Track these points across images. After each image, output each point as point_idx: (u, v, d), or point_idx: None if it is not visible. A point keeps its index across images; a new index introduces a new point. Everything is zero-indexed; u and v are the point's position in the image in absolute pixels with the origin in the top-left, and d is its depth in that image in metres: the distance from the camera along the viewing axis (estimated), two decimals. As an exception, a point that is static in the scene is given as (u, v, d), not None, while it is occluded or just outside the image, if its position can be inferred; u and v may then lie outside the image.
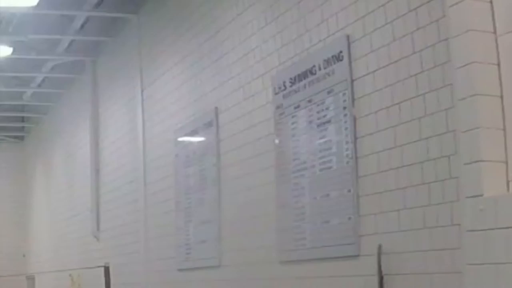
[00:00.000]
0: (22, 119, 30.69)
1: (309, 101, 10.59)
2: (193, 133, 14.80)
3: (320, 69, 10.33)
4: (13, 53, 19.97)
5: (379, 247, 8.92)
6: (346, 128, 9.76)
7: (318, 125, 10.39)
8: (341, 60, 9.84)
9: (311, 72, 10.54)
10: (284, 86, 11.26)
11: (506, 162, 6.36)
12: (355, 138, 9.56)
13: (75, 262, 21.76)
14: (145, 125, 17.44)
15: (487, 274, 6.30)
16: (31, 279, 28.98)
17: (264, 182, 11.81)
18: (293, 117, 11.04)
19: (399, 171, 8.70)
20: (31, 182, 31.05)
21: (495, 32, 6.37)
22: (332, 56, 10.03)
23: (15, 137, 32.18)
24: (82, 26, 19.23)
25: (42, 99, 26.76)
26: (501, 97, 6.35)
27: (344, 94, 9.79)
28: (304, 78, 10.71)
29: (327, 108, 10.19)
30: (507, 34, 6.29)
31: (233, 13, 13.07)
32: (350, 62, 9.67)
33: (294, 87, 10.99)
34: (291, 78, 11.07)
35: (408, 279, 8.58)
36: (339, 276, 9.80)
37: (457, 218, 7.34)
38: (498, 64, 6.36)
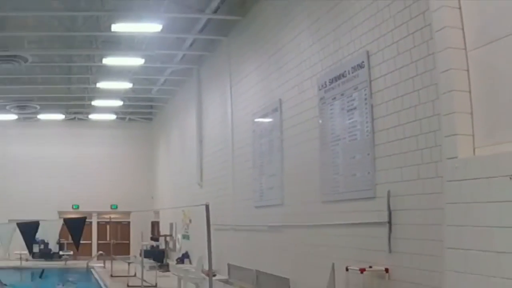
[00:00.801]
0: (151, 107, 30.74)
1: (342, 94, 10.63)
2: (264, 116, 14.82)
3: (349, 73, 10.37)
4: (144, 62, 20.09)
5: (388, 192, 9.01)
6: (366, 113, 9.82)
7: (348, 111, 10.43)
8: (363, 68, 9.89)
9: (343, 75, 10.58)
10: (325, 84, 11.29)
11: (473, 136, 6.31)
12: (372, 119, 9.62)
13: (186, 202, 21.92)
14: (233, 111, 17.50)
15: (460, 210, 6.31)
16: (157, 213, 29.19)
17: (312, 149, 11.85)
18: (331, 105, 11.08)
19: (402, 141, 8.76)
20: (156, 149, 31.27)
21: (465, 49, 6.31)
22: (357, 65, 10.08)
23: (146, 119, 32.33)
24: (191, 44, 19.36)
25: (164, 93, 26.83)
26: (469, 92, 6.30)
27: (365, 90, 9.84)
28: (339, 79, 10.75)
29: (353, 100, 10.24)
30: (474, 50, 6.18)
31: (291, 36, 13.10)
32: (369, 69, 9.71)
33: (332, 85, 11.02)
34: (330, 79, 11.10)
35: (408, 213, 8.67)
36: (361, 211, 9.90)
37: (440, 172, 7.37)
38: (468, 70, 6.30)
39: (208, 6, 15.95)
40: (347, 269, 9.47)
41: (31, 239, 9.15)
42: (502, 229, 5.74)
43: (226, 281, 16.18)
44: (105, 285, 19.28)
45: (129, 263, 22.50)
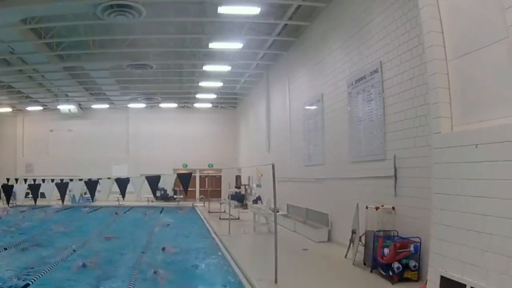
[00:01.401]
0: (235, 99, 30.05)
1: (363, 90, 10.65)
2: (311, 104, 14.77)
3: (368, 76, 10.36)
4: (231, 69, 20.23)
5: (394, 155, 9.09)
6: (379, 103, 9.83)
7: (367, 101, 10.44)
8: (377, 72, 9.89)
9: (364, 77, 10.59)
10: (352, 84, 11.30)
11: (451, 118, 6.33)
12: (384, 107, 9.64)
13: (258, 162, 22.04)
14: (290, 101, 17.43)
15: (442, 168, 6.35)
16: (239, 169, 29.24)
17: (343, 127, 11.89)
18: (356, 98, 11.09)
19: (403, 121, 8.79)
20: (239, 127, 31.07)
21: (446, 60, 6.33)
22: (373, 70, 10.07)
23: (232, 107, 31.95)
24: (262, 56, 19.27)
25: (244, 90, 26.55)
26: (449, 89, 6.32)
27: (379, 87, 9.84)
28: (361, 80, 10.75)
29: (371, 94, 10.25)
30: (451, 60, 6.20)
31: (328, 51, 13.08)
32: (381, 73, 9.71)
33: (357, 84, 11.02)
34: (355, 80, 11.11)
35: (407, 170, 8.72)
36: (376, 169, 9.95)
37: (429, 143, 7.46)
38: (447, 74, 6.32)
39: (274, 31, 16.03)
40: (366, 207, 9.56)
41: (155, 187, 9.58)
42: (471, 180, 5.84)
43: (285, 215, 16.33)
44: (204, 217, 19.64)
45: (220, 203, 22.81)
